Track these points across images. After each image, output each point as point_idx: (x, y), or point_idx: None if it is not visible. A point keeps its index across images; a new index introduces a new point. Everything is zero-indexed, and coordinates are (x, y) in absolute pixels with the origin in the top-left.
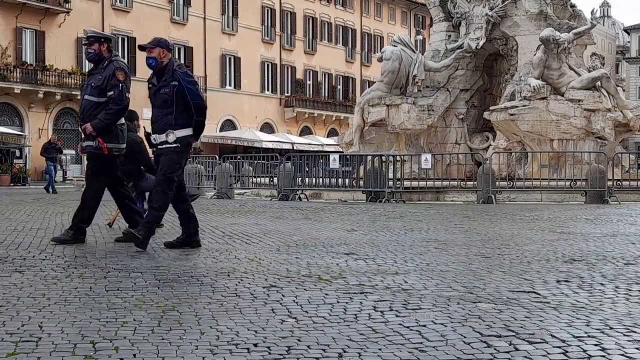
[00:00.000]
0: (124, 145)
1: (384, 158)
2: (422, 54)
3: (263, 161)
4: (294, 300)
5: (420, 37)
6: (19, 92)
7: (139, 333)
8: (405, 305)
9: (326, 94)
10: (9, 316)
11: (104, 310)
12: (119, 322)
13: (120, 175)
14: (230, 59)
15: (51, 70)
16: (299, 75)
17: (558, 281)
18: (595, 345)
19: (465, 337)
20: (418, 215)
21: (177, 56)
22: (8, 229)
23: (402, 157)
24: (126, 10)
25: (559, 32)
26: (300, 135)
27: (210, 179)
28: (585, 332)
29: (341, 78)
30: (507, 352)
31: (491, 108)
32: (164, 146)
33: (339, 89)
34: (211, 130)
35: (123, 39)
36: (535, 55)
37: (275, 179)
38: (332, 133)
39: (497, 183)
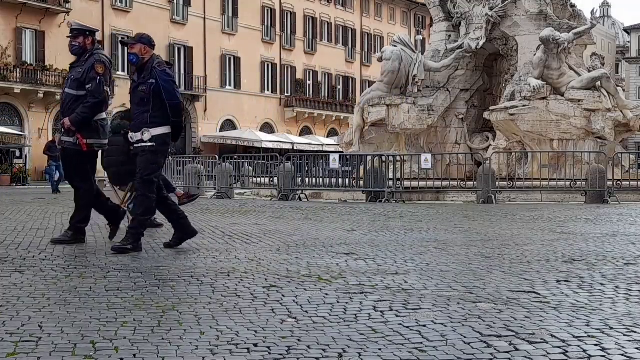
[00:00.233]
0: (106, 141)
1: (384, 158)
2: (422, 54)
3: (263, 161)
4: (294, 300)
5: (420, 37)
6: (19, 92)
7: (139, 333)
8: (405, 305)
9: (326, 94)
10: (9, 316)
11: (104, 310)
12: (119, 322)
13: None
14: (230, 59)
15: (51, 70)
16: (299, 75)
17: (558, 281)
18: (595, 345)
19: (465, 337)
20: (418, 215)
21: (177, 56)
22: (8, 229)
23: (402, 157)
24: (126, 10)
25: (559, 32)
26: (300, 135)
27: (210, 179)
28: (585, 332)
29: (341, 78)
30: (507, 352)
31: (491, 108)
32: (139, 145)
33: (339, 89)
34: (211, 130)
35: (123, 39)
36: (535, 55)
37: (275, 179)
38: (332, 133)
39: (497, 183)
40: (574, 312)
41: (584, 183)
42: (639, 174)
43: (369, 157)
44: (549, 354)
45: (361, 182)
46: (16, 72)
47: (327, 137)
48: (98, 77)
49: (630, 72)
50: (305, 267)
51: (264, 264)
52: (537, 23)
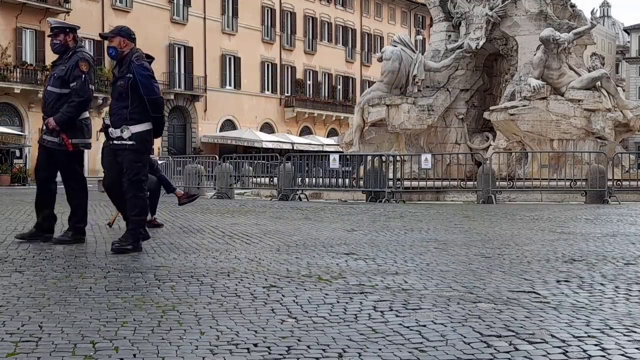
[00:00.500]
0: (90, 140)
1: (384, 158)
2: (422, 54)
3: (263, 161)
4: (294, 300)
5: (420, 37)
6: (19, 92)
7: (139, 333)
8: (405, 305)
9: (326, 94)
10: (9, 316)
11: (104, 310)
12: (119, 322)
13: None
14: (230, 59)
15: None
16: (299, 75)
17: (558, 281)
18: (595, 345)
19: (465, 337)
20: (418, 215)
21: (177, 56)
22: (8, 229)
23: (402, 157)
24: (126, 10)
25: (559, 32)
26: (300, 135)
27: (210, 179)
28: (585, 332)
29: (341, 78)
30: (507, 352)
31: (491, 108)
32: (119, 142)
33: (339, 89)
34: (211, 130)
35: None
36: (535, 55)
37: (275, 179)
38: (332, 133)
39: (497, 183)
40: (574, 312)
41: (584, 183)
42: (639, 174)
43: (369, 157)
44: (549, 354)
45: (361, 182)
46: (16, 72)
47: (327, 137)
48: (83, 75)
49: (630, 72)
50: (305, 267)
51: (264, 264)
52: (537, 23)
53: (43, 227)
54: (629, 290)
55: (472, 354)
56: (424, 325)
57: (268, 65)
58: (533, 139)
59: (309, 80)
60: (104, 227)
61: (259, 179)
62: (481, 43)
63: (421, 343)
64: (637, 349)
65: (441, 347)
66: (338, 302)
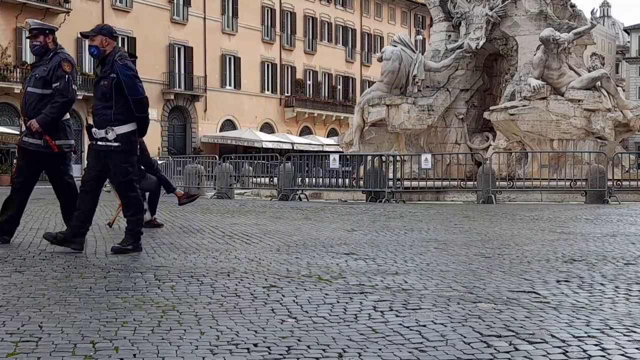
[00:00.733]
0: (73, 141)
1: (384, 158)
2: (422, 54)
3: (263, 161)
4: (294, 300)
5: (420, 37)
6: (19, 92)
7: (139, 333)
8: (405, 305)
9: (326, 94)
10: (9, 316)
11: (104, 310)
12: (119, 322)
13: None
14: (230, 59)
15: None
16: (299, 75)
17: (558, 281)
18: (595, 345)
19: (465, 337)
20: (418, 215)
21: (177, 56)
22: None
23: (402, 157)
24: (126, 10)
25: (559, 32)
26: (300, 135)
27: (210, 179)
28: (585, 332)
29: (341, 78)
30: (507, 352)
31: (491, 108)
32: (103, 143)
33: (339, 89)
34: (211, 130)
35: (123, 39)
36: (535, 55)
37: (275, 179)
38: (332, 133)
39: (497, 183)
40: (574, 312)
41: (584, 183)
42: (639, 174)
43: (369, 157)
44: (549, 354)
45: (361, 182)
46: (16, 72)
47: (327, 137)
48: (66, 75)
49: (630, 72)
50: (305, 267)
51: (264, 264)
52: (537, 23)
53: (3, 228)
54: (629, 290)
55: (472, 354)
56: (424, 325)
57: (268, 65)
58: (533, 139)
59: (309, 80)
60: (104, 227)
61: (259, 179)
62: (481, 43)
63: (421, 343)
64: (637, 349)
65: (441, 347)
66: (338, 302)
